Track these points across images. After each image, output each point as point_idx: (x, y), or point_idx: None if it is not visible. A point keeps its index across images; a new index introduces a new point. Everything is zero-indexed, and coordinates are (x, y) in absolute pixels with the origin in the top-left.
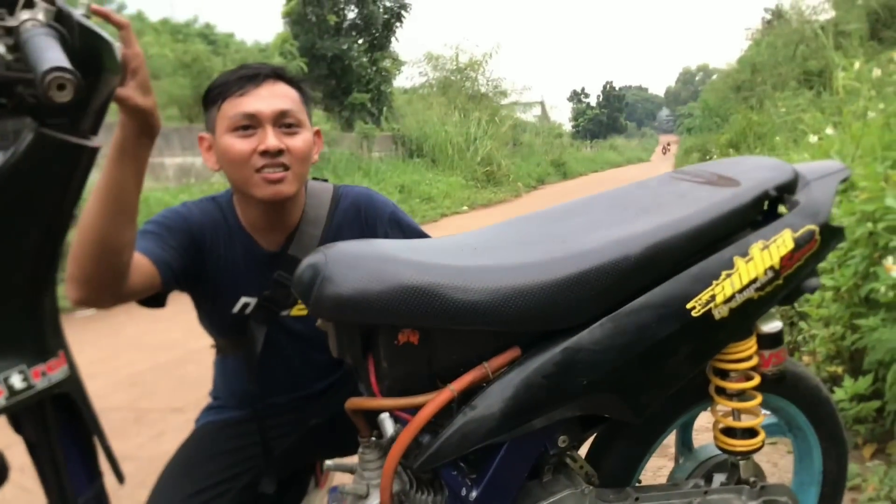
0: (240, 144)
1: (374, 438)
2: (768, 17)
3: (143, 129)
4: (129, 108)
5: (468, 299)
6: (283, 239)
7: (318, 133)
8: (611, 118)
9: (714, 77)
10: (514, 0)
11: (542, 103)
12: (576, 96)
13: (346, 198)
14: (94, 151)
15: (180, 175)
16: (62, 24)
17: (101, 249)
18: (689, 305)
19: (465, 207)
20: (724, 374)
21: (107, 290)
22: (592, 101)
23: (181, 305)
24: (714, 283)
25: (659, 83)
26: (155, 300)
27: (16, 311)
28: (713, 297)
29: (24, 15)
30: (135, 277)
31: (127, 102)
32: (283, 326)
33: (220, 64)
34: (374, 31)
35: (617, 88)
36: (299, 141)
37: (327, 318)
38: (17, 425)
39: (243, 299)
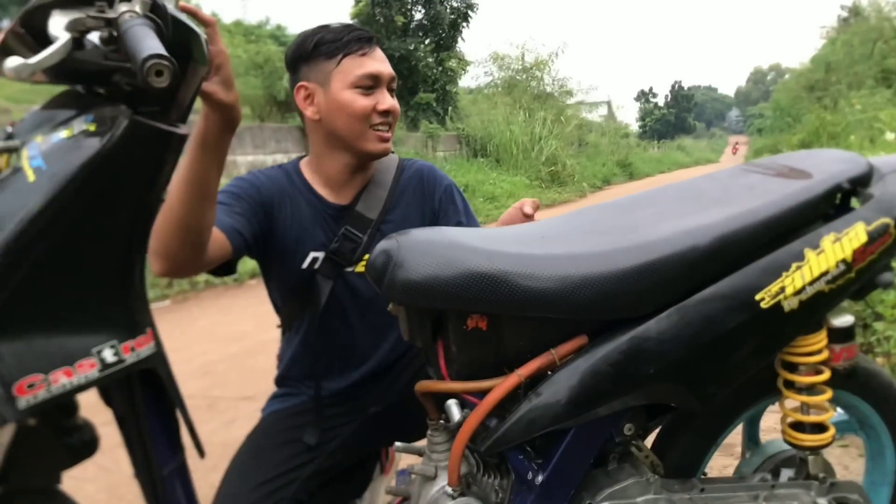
0: (362, 101)
1: (442, 421)
2: (845, 14)
3: (225, 121)
4: (212, 102)
5: (536, 287)
6: (353, 196)
7: None
8: (679, 118)
9: (786, 77)
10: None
11: (608, 103)
12: (643, 96)
13: (410, 166)
14: (182, 138)
15: None
16: (157, 15)
17: (183, 229)
18: (757, 297)
19: None
20: (792, 368)
21: (187, 262)
22: (660, 101)
23: (252, 299)
24: (784, 274)
25: (729, 83)
26: (226, 267)
27: (108, 289)
28: (783, 289)
29: (123, 7)
30: (210, 248)
31: (212, 97)
32: (347, 283)
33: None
34: (440, 32)
35: (685, 88)
36: (397, 104)
37: (399, 303)
38: (108, 398)
39: (312, 254)
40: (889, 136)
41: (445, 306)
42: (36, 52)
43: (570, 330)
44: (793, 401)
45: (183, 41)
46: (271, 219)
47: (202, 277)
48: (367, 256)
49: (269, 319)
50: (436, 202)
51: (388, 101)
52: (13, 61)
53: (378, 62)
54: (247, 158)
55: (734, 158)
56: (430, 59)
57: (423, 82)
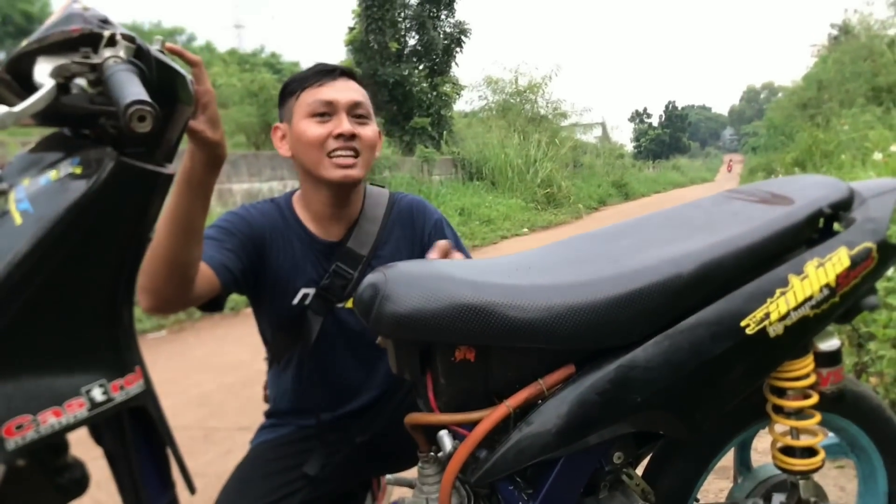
0: (316, 129)
1: (432, 453)
2: (835, 32)
3: (211, 159)
4: (199, 140)
5: (523, 317)
6: (343, 232)
7: (379, 134)
8: (673, 138)
9: (779, 95)
10: (574, 21)
11: (602, 124)
12: (637, 116)
13: (401, 200)
14: (169, 178)
15: (247, 200)
16: (141, 60)
17: (169, 266)
18: (743, 323)
19: (525, 230)
20: (781, 393)
21: (174, 298)
22: (654, 121)
23: (248, 328)
24: (768, 300)
25: (722, 102)
26: (214, 303)
27: (97, 328)
28: (767, 315)
29: (107, 52)
30: (198, 284)
31: (198, 135)
32: (337, 318)
33: None
34: (434, 57)
35: (679, 108)
36: (369, 130)
37: (387, 336)
38: (97, 436)
39: (303, 291)
40: (877, 155)
41: (433, 338)
42: (21, 97)
43: (558, 359)
44: (782, 425)
45: (168, 82)
46: (262, 255)
47: None
48: None
49: (264, 349)
50: (426, 236)
51: (343, 125)
52: None
53: (335, 90)
54: (242, 186)
55: (729, 176)
56: (425, 84)
57: (418, 107)
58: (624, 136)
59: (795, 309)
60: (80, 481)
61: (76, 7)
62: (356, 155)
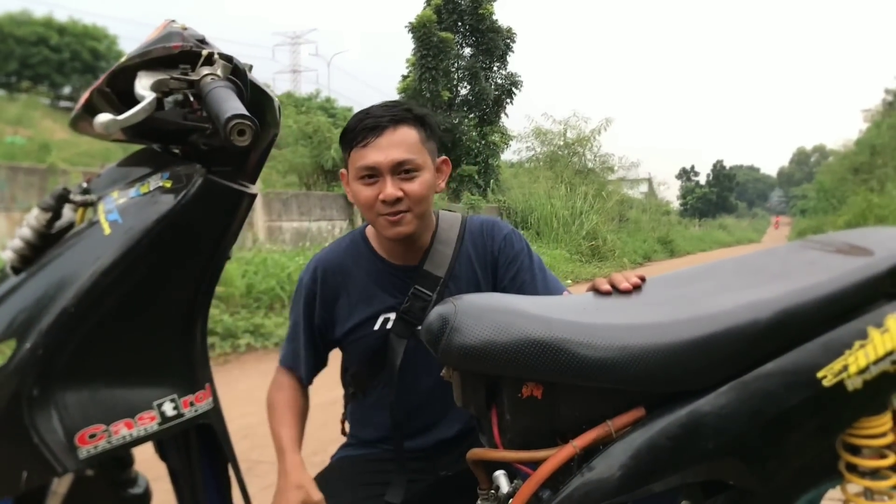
0: (365, 192)
1: (493, 491)
2: (889, 98)
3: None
4: None
5: (594, 356)
6: (418, 257)
7: (445, 162)
8: (720, 197)
9: (830, 159)
10: (624, 76)
11: (649, 180)
12: (685, 174)
13: (473, 222)
14: (252, 197)
15: (297, 238)
16: (237, 78)
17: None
18: (819, 374)
19: (570, 281)
20: (855, 450)
21: None
22: (702, 179)
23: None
24: (846, 352)
25: (771, 163)
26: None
27: (172, 343)
28: (846, 367)
29: (205, 70)
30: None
31: None
32: (420, 343)
33: (338, 135)
34: (484, 107)
35: (727, 167)
36: (416, 185)
37: (454, 367)
38: (163, 452)
39: (383, 316)
40: None
41: (501, 373)
42: (118, 110)
43: (627, 401)
44: (855, 485)
45: (259, 104)
46: (338, 294)
47: (244, 340)
48: None
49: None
50: (496, 251)
51: (387, 190)
52: (103, 117)
53: (377, 151)
54: (292, 224)
55: (777, 235)
56: (474, 133)
57: (467, 155)
58: (671, 193)
59: (875, 363)
60: (143, 497)
61: (175, 26)
62: (405, 212)
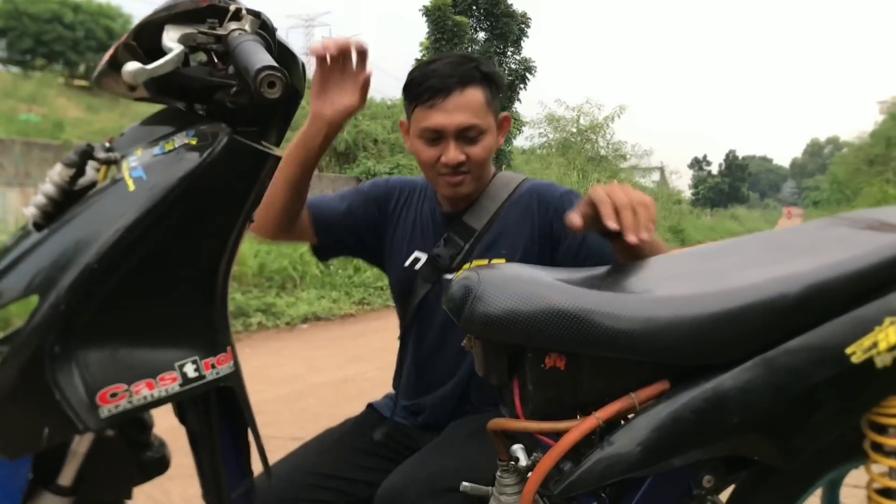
0: (427, 152)
1: (513, 463)
2: None
3: (328, 134)
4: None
5: (620, 327)
6: (463, 206)
7: (506, 119)
8: (732, 187)
9: (844, 150)
10: (638, 64)
11: (661, 169)
12: (697, 163)
13: (526, 185)
14: (276, 160)
15: None
16: (266, 33)
17: (276, 208)
18: (848, 350)
19: None
20: (882, 430)
21: (272, 231)
22: (714, 169)
23: (304, 343)
24: (877, 328)
25: (784, 154)
26: (320, 252)
27: (195, 304)
28: (875, 344)
29: (233, 25)
30: (297, 228)
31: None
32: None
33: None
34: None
35: (740, 158)
36: (479, 148)
37: (477, 336)
38: (182, 415)
39: (416, 254)
40: None
41: (524, 343)
42: (146, 64)
43: (652, 374)
44: (881, 465)
45: (285, 64)
46: (389, 213)
47: (255, 319)
48: (465, 266)
49: (319, 363)
50: (549, 214)
51: (450, 153)
52: (132, 66)
53: (444, 114)
54: None
55: (788, 225)
56: None
57: None
58: (682, 182)
59: None
60: (162, 460)
61: None
62: (466, 173)
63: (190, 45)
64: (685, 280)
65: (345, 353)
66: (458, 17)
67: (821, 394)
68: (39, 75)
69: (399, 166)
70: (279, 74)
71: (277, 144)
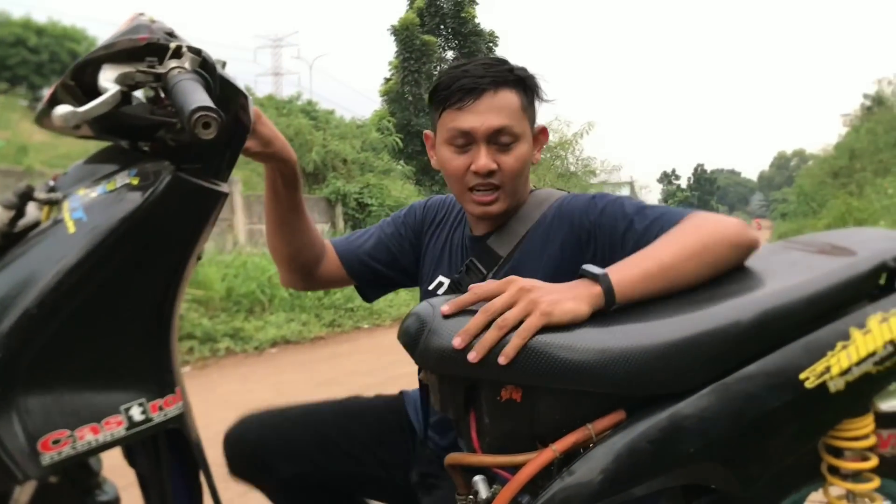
0: (455, 160)
1: (471, 497)
2: (867, 103)
3: (280, 172)
4: (258, 157)
5: (574, 358)
6: (489, 228)
7: (543, 132)
8: (702, 201)
9: (810, 163)
10: (607, 80)
11: (631, 183)
12: (666, 178)
13: (567, 200)
14: (223, 196)
15: None
16: (206, 72)
17: (277, 257)
18: (802, 376)
19: None
20: (838, 453)
21: (297, 280)
22: (683, 182)
23: (272, 368)
24: (829, 353)
25: (752, 167)
26: (363, 292)
27: (140, 345)
28: (828, 369)
29: (172, 63)
30: (324, 270)
31: (251, 152)
32: None
33: (320, 137)
34: None
35: (708, 171)
36: (512, 158)
37: (432, 371)
38: (131, 458)
39: (440, 278)
40: None
41: (479, 376)
42: (83, 105)
43: (608, 404)
44: (838, 488)
45: (229, 99)
46: (420, 241)
47: (223, 344)
48: None
49: (287, 389)
50: (584, 229)
51: (481, 160)
52: (62, 109)
53: (475, 115)
54: None
55: (760, 237)
56: None
57: None
58: (653, 196)
59: (858, 364)
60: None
61: (143, 19)
62: (497, 189)
63: (128, 85)
64: (639, 309)
65: (314, 378)
66: (425, 37)
67: (776, 420)
68: (2, 99)
69: (369, 186)
70: (214, 115)
71: (224, 180)
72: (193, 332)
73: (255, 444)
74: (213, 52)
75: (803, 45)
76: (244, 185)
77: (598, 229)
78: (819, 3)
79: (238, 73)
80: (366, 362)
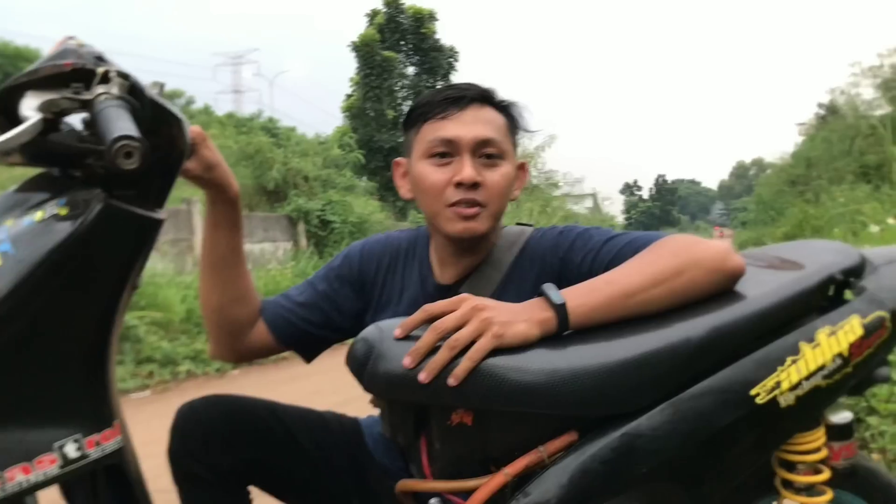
0: (435, 174)
1: None
2: (822, 112)
3: (220, 199)
4: (199, 182)
5: (525, 380)
6: (459, 275)
7: (523, 167)
8: (663, 211)
9: (768, 171)
10: (568, 93)
11: (593, 195)
12: (628, 189)
13: (540, 236)
14: (158, 223)
15: None
16: (135, 97)
17: (213, 309)
18: (752, 392)
19: None
20: (790, 467)
21: (226, 345)
22: (645, 193)
23: (234, 390)
24: (779, 368)
25: (712, 176)
26: (305, 353)
27: (74, 379)
28: (778, 384)
29: (99, 89)
30: (257, 334)
31: (191, 176)
32: None
33: (281, 155)
34: None
35: (669, 181)
36: (498, 175)
37: (381, 397)
38: (69, 496)
39: None
40: (873, 228)
41: (429, 401)
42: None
43: (560, 426)
44: (791, 501)
45: (163, 124)
46: (367, 292)
47: (184, 367)
48: None
49: None
50: (555, 267)
51: (465, 171)
52: None
53: (461, 124)
54: None
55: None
56: None
57: None
58: (615, 207)
59: (807, 378)
60: None
61: (71, 43)
62: (480, 205)
63: (53, 112)
64: (591, 328)
65: (279, 398)
66: (386, 53)
67: (729, 437)
68: None
69: (331, 202)
70: (136, 144)
71: (161, 206)
72: (153, 355)
73: (214, 424)
74: (172, 71)
75: (759, 54)
76: (204, 206)
77: (569, 265)
78: (773, 13)
79: (198, 91)
80: (330, 381)
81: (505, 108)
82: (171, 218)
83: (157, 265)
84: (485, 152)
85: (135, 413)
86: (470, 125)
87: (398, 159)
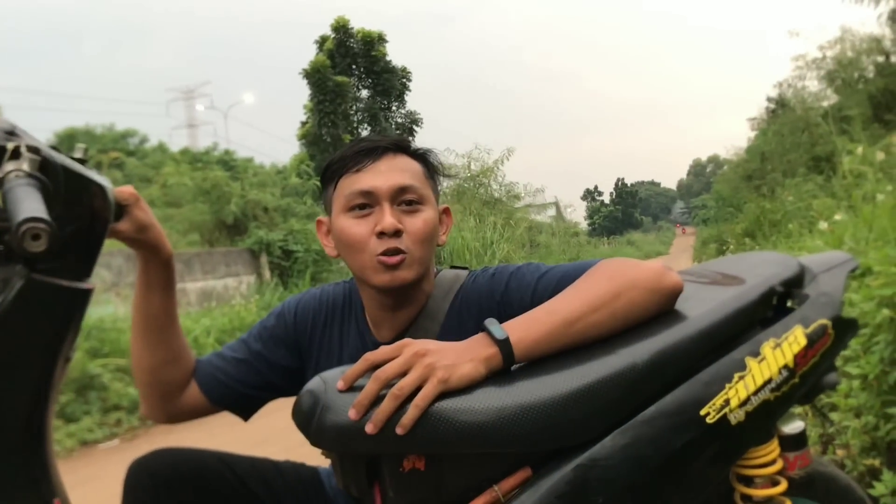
0: (356, 227)
1: None
2: (772, 106)
3: (154, 260)
4: (132, 243)
5: (473, 421)
6: (395, 333)
7: (446, 211)
8: (626, 214)
9: (725, 168)
10: (522, 107)
11: (556, 204)
12: (589, 195)
13: (475, 279)
14: (87, 293)
15: (202, 299)
16: (47, 172)
17: (145, 371)
18: (703, 412)
19: None
20: (748, 481)
21: (158, 406)
22: (606, 198)
23: (203, 434)
24: (727, 386)
25: (671, 177)
26: (242, 412)
27: (9, 458)
28: (727, 402)
29: (9, 166)
30: (189, 396)
31: (123, 237)
32: None
33: (238, 188)
34: None
35: (629, 185)
36: (420, 221)
37: (330, 450)
38: None
39: None
40: (822, 225)
41: (379, 450)
42: None
43: (513, 463)
44: None
45: (81, 193)
46: (305, 349)
47: None
48: None
49: (224, 450)
50: (493, 311)
51: (386, 219)
52: None
53: (376, 174)
54: (196, 284)
55: (684, 243)
56: None
57: None
58: (578, 214)
59: (755, 393)
60: None
61: None
62: (403, 253)
63: None
64: (536, 362)
65: (248, 438)
66: (338, 78)
67: (683, 459)
68: None
69: (293, 232)
70: (44, 226)
71: (88, 275)
72: (120, 402)
73: (165, 477)
74: (125, 109)
75: (711, 49)
76: None
77: (507, 307)
78: (719, 13)
79: (152, 127)
80: None
81: (421, 156)
82: (130, 261)
83: (118, 309)
84: (404, 199)
85: (104, 465)
86: (386, 174)
87: (320, 218)
